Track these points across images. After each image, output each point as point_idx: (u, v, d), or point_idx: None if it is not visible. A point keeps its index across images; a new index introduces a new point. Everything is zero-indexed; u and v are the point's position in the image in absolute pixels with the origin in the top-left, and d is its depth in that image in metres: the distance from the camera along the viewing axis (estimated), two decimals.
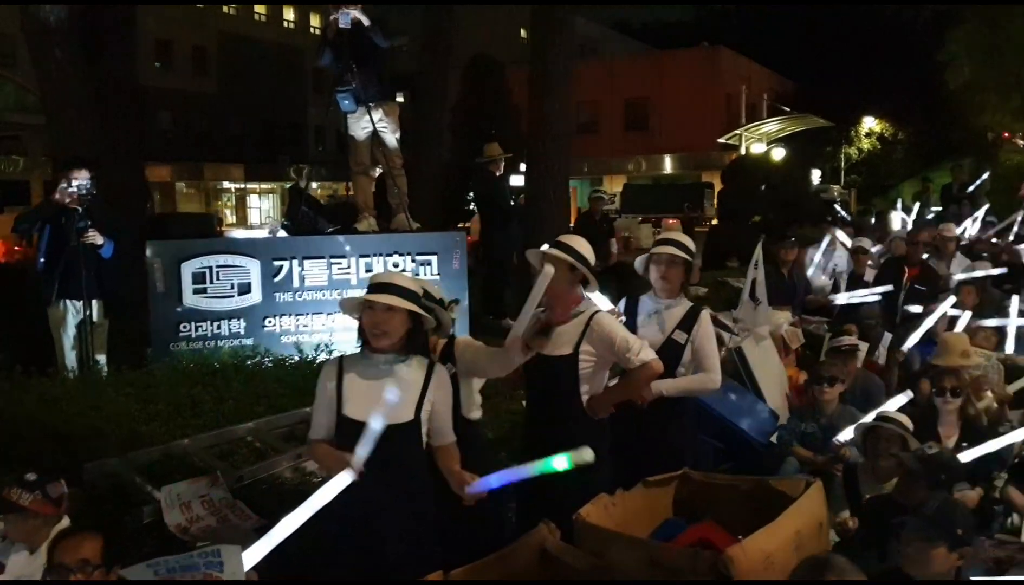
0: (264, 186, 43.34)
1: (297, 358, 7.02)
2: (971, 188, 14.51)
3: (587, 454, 3.29)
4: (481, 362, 4.15)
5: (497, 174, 10.09)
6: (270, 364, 6.87)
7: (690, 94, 36.56)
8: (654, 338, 4.56)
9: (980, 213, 12.72)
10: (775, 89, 40.99)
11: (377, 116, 7.60)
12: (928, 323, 7.20)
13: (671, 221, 29.21)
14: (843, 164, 38.37)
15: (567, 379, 4.23)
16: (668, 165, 39.50)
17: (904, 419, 4.96)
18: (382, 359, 3.47)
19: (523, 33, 42.65)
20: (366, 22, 7.41)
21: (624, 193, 35.36)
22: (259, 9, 43.87)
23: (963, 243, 10.85)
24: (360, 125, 7.69)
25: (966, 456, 4.74)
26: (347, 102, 7.50)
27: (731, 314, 8.15)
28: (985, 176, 14.83)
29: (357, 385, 3.46)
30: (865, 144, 39.54)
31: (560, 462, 3.29)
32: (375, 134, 7.73)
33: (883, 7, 27.66)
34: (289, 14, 45.02)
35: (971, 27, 16.95)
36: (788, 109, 33.72)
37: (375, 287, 3.47)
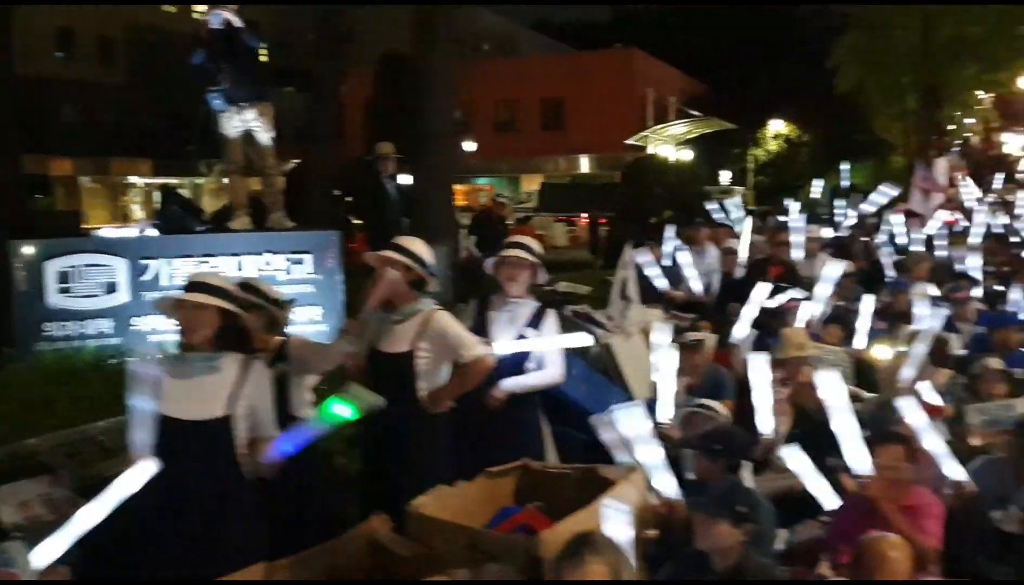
0: (174, 181, 42.38)
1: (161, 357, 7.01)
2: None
3: (374, 398, 3.47)
4: (310, 358, 4.31)
5: (386, 173, 10.17)
6: None
7: (605, 95, 37.10)
8: (503, 336, 4.79)
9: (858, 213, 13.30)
10: (687, 91, 41.86)
11: (249, 116, 7.67)
12: (749, 311, 7.49)
13: (583, 220, 29.68)
14: (752, 165, 39.36)
15: (405, 374, 4.40)
16: (585, 165, 40.01)
17: (720, 407, 5.25)
18: (196, 357, 3.58)
19: None
20: (237, 23, 7.48)
21: (542, 192, 35.72)
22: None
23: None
24: (232, 124, 7.72)
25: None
26: (218, 102, 7.55)
27: (606, 312, 8.44)
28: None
29: (172, 384, 3.57)
30: (772, 146, 40.65)
31: (343, 410, 3.44)
32: (248, 133, 7.79)
33: (786, 8, 28.56)
34: (200, 6, 43.99)
35: (855, 36, 17.72)
36: (695, 112, 34.50)
37: (188, 286, 3.60)
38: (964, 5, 16.05)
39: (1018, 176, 23.74)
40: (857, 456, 4.57)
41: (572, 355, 7.38)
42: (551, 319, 4.98)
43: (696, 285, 9.54)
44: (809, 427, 5.86)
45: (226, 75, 7.49)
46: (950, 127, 23.90)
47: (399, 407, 4.28)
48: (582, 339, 5.32)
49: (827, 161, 35.38)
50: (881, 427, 5.22)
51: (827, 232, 13.11)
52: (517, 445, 4.76)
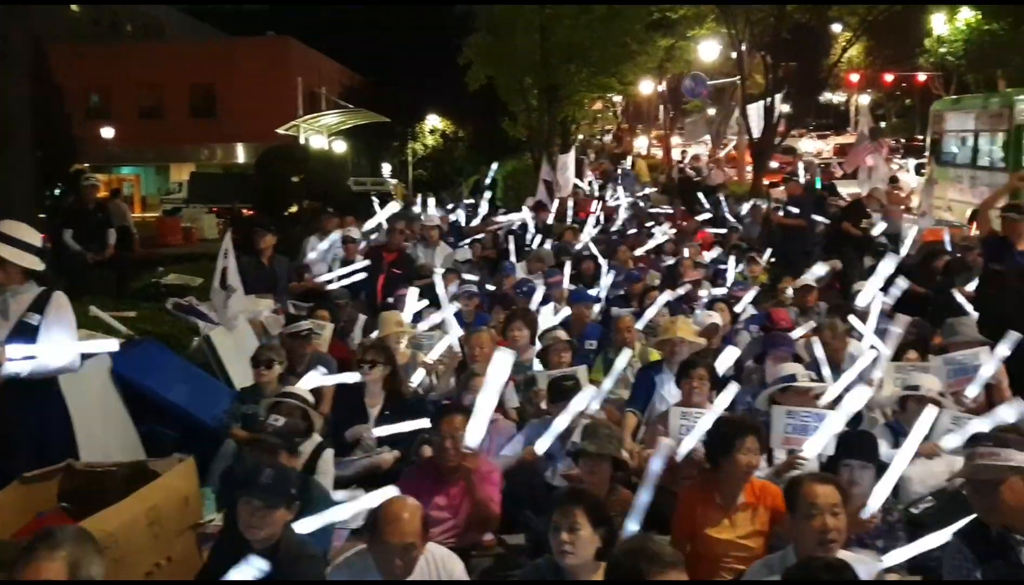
0: None
1: None
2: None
3: None
4: None
5: None
6: None
7: (260, 83, 36.06)
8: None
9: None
10: (344, 83, 41.91)
11: None
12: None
13: (247, 211, 28.73)
14: (410, 159, 40.31)
15: None
16: (241, 154, 38.60)
17: (304, 393, 5.30)
18: None
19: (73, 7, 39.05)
20: None
21: (192, 182, 33.94)
22: None
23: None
24: None
25: None
26: None
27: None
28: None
29: None
30: (430, 140, 41.93)
31: None
32: None
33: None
34: None
35: (480, 36, 18.75)
36: (347, 103, 34.65)
37: None
38: (575, 8, 17.62)
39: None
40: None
41: (167, 352, 7.11)
42: (57, 302, 4.61)
43: (321, 272, 9.59)
44: (399, 407, 6.12)
45: None
46: (581, 125, 26.24)
47: None
48: (105, 345, 5.08)
49: (482, 156, 37.30)
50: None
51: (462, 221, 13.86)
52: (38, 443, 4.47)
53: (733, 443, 4.17)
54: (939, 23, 34.58)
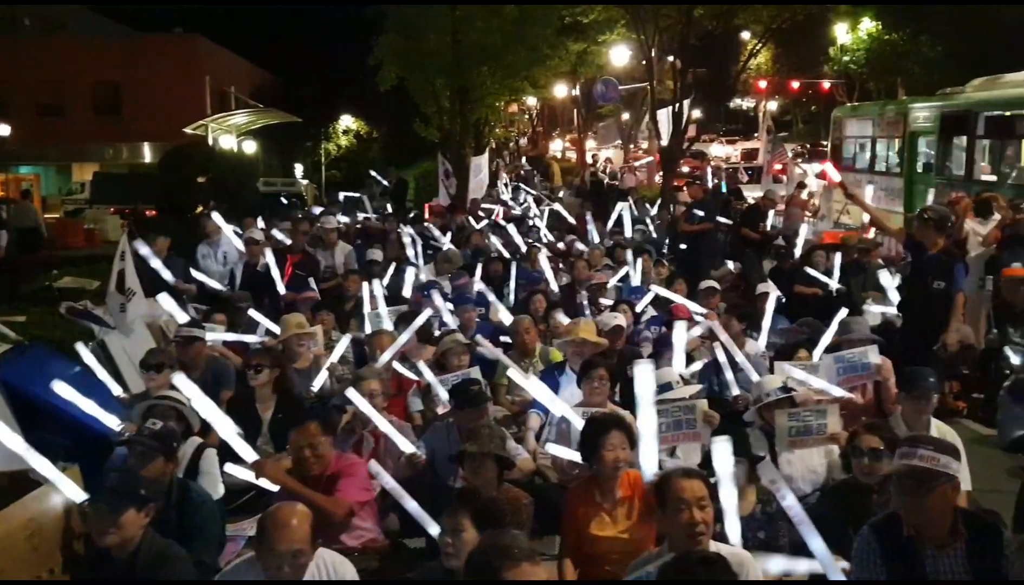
0: None
1: None
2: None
3: None
4: None
5: None
6: None
7: (167, 81, 35.08)
8: None
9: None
10: (256, 83, 41.15)
11: None
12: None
13: (150, 212, 27.92)
14: (324, 159, 39.78)
15: None
16: (148, 154, 37.48)
17: (179, 396, 5.18)
18: None
19: None
20: None
21: (95, 182, 32.84)
22: None
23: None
24: None
25: None
26: None
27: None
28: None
29: None
30: (343, 141, 41.47)
31: None
32: None
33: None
34: None
35: (391, 37, 18.64)
36: (259, 103, 34.05)
37: None
38: (487, 10, 17.66)
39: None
40: None
41: (57, 357, 6.89)
42: None
43: (213, 277, 9.41)
44: (292, 408, 6.07)
45: None
46: (495, 128, 26.29)
47: None
48: None
49: (398, 156, 37.06)
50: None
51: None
52: None
53: (598, 441, 4.27)
54: (842, 33, 35.88)
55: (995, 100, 14.50)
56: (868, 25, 34.49)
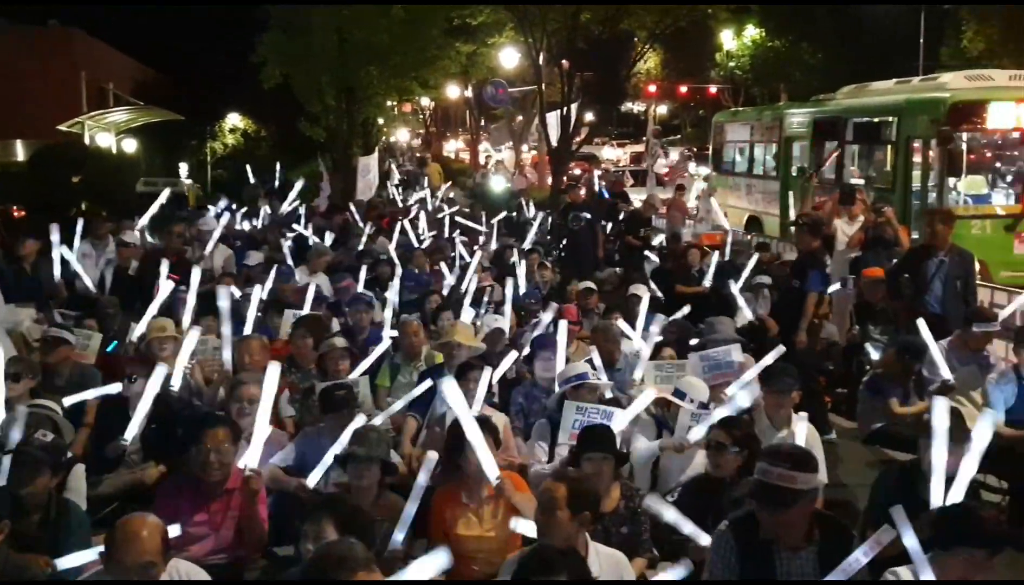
0: None
1: None
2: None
3: None
4: None
5: None
6: None
7: (39, 76, 33.49)
8: None
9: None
10: (137, 79, 39.70)
11: None
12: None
13: (19, 213, 26.62)
14: (209, 158, 38.64)
15: None
16: (20, 152, 35.64)
17: (51, 404, 4.99)
18: None
19: None
20: None
21: None
22: None
23: None
24: None
25: None
26: None
27: None
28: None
29: None
30: (230, 139, 40.37)
31: None
32: None
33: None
34: None
35: (275, 35, 18.33)
36: (140, 101, 32.91)
37: None
38: (374, 10, 17.55)
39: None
40: None
41: None
42: None
43: (87, 280, 9.06)
44: (166, 415, 5.91)
45: None
46: (385, 128, 26.16)
47: None
48: None
49: (287, 156, 36.27)
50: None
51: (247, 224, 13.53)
52: None
53: (464, 443, 4.29)
54: (728, 39, 37.05)
55: (863, 107, 15.24)
56: (752, 32, 35.74)
